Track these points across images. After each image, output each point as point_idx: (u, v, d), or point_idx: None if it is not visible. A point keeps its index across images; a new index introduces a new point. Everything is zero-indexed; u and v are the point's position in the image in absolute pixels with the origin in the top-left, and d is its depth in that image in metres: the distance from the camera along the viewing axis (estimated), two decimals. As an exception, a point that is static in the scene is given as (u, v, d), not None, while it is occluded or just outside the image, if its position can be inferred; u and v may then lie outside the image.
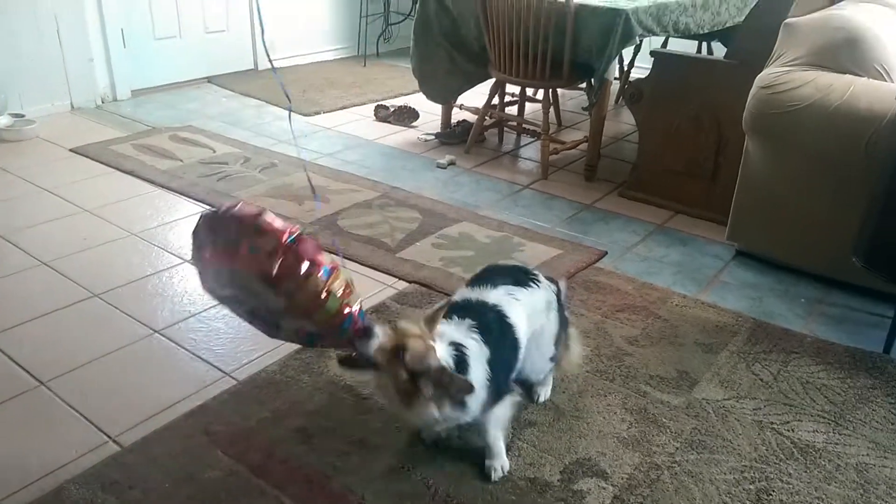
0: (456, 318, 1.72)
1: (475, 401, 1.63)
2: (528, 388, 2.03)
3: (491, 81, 3.90)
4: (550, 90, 3.76)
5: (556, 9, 3.30)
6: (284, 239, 1.42)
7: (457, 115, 4.28)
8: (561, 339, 1.95)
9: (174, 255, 2.76)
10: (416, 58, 4.02)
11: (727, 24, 3.85)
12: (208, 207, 3.14)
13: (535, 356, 1.87)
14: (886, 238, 2.25)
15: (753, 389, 2.11)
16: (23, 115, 4.05)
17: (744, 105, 2.60)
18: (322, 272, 1.46)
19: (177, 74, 5.02)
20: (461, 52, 3.93)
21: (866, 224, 2.31)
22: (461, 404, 1.60)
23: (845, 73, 2.47)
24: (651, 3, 3.37)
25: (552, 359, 1.94)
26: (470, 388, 1.57)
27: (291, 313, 1.51)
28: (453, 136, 4.15)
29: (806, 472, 1.81)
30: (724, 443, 1.89)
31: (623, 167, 3.76)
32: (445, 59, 3.96)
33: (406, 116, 4.48)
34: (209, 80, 5.21)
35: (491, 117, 4.08)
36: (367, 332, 1.55)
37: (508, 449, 1.81)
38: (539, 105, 3.79)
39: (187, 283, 2.56)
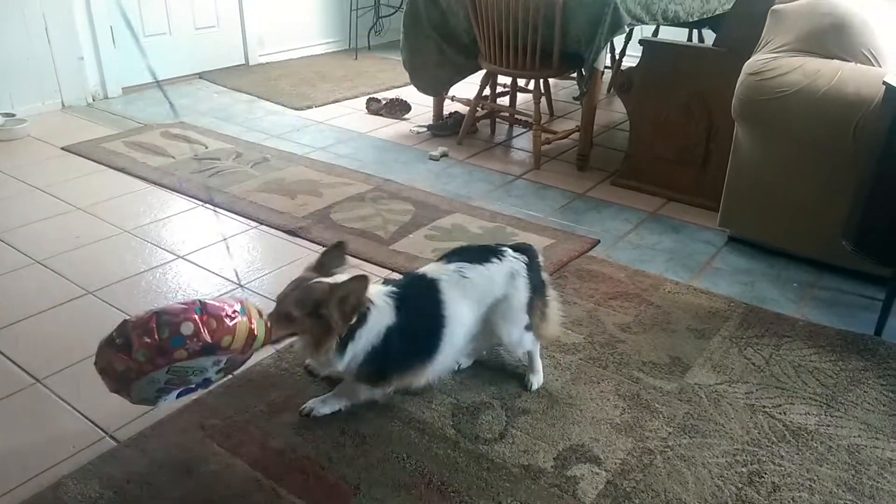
0: (387, 286, 1.82)
1: (350, 353, 1.71)
2: (521, 376, 2.05)
3: (482, 72, 3.90)
4: (541, 80, 3.77)
5: (544, -1, 3.29)
6: (192, 312, 1.47)
7: (449, 107, 4.28)
8: (536, 307, 1.94)
9: (167, 251, 2.76)
10: (406, 50, 4.02)
11: (717, 12, 3.85)
12: (203, 203, 3.15)
13: (502, 326, 1.90)
14: (875, 221, 2.27)
15: (746, 374, 2.12)
16: (13, 115, 4.05)
17: (733, 92, 2.61)
18: (240, 313, 1.54)
19: (167, 71, 5.01)
20: (451, 43, 3.93)
21: (855, 208, 2.33)
22: (344, 343, 1.69)
23: (833, 58, 2.48)
24: (639, -9, 3.37)
25: (528, 328, 1.93)
26: (364, 284, 1.64)
27: (234, 355, 1.57)
28: (445, 127, 4.15)
29: (798, 454, 1.82)
30: (717, 427, 1.91)
31: (615, 156, 3.77)
32: (435, 52, 3.96)
33: (398, 109, 4.48)
34: (200, 75, 5.21)
35: (483, 108, 4.09)
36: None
37: (502, 437, 1.83)
38: (531, 95, 3.79)
39: (180, 279, 2.57)
